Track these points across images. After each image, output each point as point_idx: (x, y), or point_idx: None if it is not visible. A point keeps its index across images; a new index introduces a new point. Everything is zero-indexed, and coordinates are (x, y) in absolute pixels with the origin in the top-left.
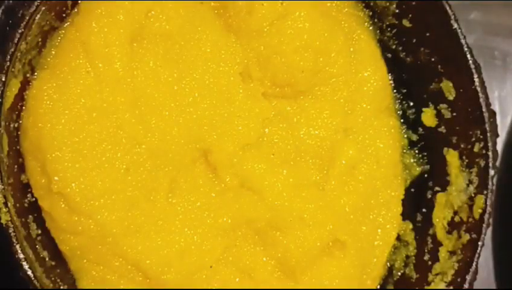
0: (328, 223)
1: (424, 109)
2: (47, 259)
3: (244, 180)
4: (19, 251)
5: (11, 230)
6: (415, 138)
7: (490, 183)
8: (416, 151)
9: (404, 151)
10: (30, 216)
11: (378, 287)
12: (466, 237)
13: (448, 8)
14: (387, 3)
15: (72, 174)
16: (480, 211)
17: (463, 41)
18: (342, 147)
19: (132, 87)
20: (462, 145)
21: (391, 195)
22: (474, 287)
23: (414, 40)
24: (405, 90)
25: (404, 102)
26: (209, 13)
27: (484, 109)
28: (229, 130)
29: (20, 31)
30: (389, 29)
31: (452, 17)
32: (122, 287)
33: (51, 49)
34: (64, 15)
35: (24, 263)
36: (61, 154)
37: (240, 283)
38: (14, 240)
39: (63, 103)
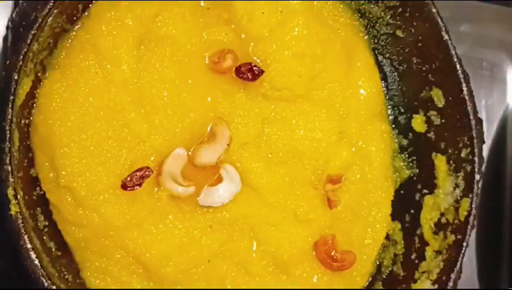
0: (321, 221)
1: (414, 116)
2: (53, 249)
3: (242, 177)
4: (27, 241)
5: (20, 221)
6: (405, 142)
7: (476, 187)
8: (406, 155)
9: (395, 155)
10: (38, 208)
11: (367, 283)
12: (451, 237)
13: (439, 20)
14: (382, 14)
15: (78, 169)
16: (465, 213)
17: (453, 52)
18: (336, 149)
19: (138, 88)
20: (449, 151)
21: (381, 196)
22: (458, 286)
23: (407, 50)
24: (397, 97)
25: (395, 108)
26: (214, 19)
27: (472, 117)
28: (230, 128)
29: (32, 32)
30: (383, 38)
31: (443, 29)
32: (124, 279)
33: (61, 50)
34: (75, 18)
35: (31, 253)
36: (69, 150)
37: (236, 276)
38: (23, 231)
39: (72, 101)
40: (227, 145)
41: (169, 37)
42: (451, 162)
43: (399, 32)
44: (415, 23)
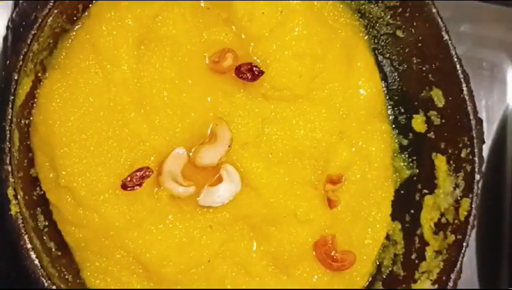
0: (321, 221)
1: (414, 116)
2: (53, 250)
3: (243, 177)
4: (27, 241)
5: (20, 221)
6: (405, 142)
7: (476, 187)
8: (406, 155)
9: (395, 155)
10: (38, 208)
11: (367, 283)
12: (451, 237)
13: (439, 20)
14: (382, 14)
15: (79, 170)
16: (465, 213)
17: (453, 52)
18: (336, 149)
19: (138, 88)
20: (450, 151)
21: (381, 196)
22: (458, 286)
23: (407, 50)
24: (397, 97)
25: (396, 108)
26: (214, 19)
27: (472, 117)
28: (230, 128)
29: (32, 32)
30: (383, 38)
31: (443, 29)
32: (124, 279)
33: (61, 50)
34: (75, 18)
35: (31, 253)
36: (69, 150)
37: (236, 276)
38: (23, 231)
39: (72, 101)
40: (228, 146)
41: (170, 37)
42: (451, 162)
43: (399, 32)
44: (415, 23)
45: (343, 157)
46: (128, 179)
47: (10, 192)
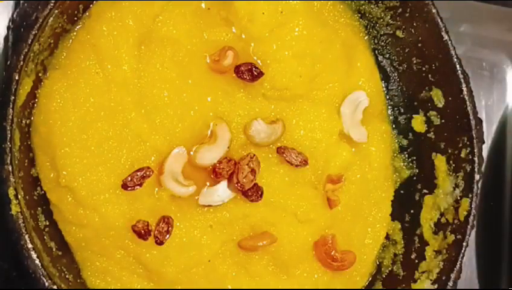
0: (321, 221)
1: (414, 116)
2: (54, 249)
3: None
4: (28, 241)
5: (20, 221)
6: (405, 142)
7: (475, 187)
8: (406, 155)
9: (395, 155)
10: (39, 208)
11: (367, 283)
12: (451, 237)
13: (439, 20)
14: (382, 15)
15: (79, 169)
16: (465, 213)
17: (453, 52)
18: (336, 149)
19: (139, 88)
20: (449, 151)
21: (381, 196)
22: (458, 286)
23: (407, 50)
24: (397, 97)
25: (395, 108)
26: (214, 20)
27: (471, 117)
28: (230, 128)
29: (33, 32)
30: (383, 39)
31: (443, 29)
32: (124, 279)
33: (62, 50)
34: (75, 18)
35: (32, 253)
36: (70, 150)
37: (236, 276)
38: (24, 231)
39: (73, 101)
40: (228, 147)
41: (170, 38)
42: (451, 162)
43: (399, 33)
44: (415, 24)
45: (343, 157)
46: (129, 178)
47: (11, 192)
